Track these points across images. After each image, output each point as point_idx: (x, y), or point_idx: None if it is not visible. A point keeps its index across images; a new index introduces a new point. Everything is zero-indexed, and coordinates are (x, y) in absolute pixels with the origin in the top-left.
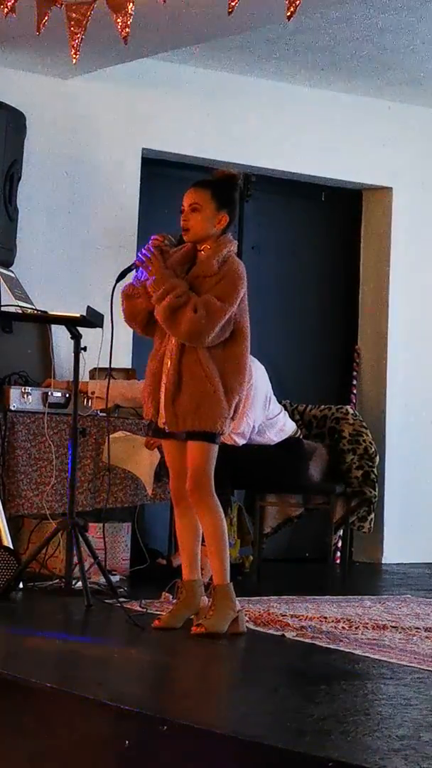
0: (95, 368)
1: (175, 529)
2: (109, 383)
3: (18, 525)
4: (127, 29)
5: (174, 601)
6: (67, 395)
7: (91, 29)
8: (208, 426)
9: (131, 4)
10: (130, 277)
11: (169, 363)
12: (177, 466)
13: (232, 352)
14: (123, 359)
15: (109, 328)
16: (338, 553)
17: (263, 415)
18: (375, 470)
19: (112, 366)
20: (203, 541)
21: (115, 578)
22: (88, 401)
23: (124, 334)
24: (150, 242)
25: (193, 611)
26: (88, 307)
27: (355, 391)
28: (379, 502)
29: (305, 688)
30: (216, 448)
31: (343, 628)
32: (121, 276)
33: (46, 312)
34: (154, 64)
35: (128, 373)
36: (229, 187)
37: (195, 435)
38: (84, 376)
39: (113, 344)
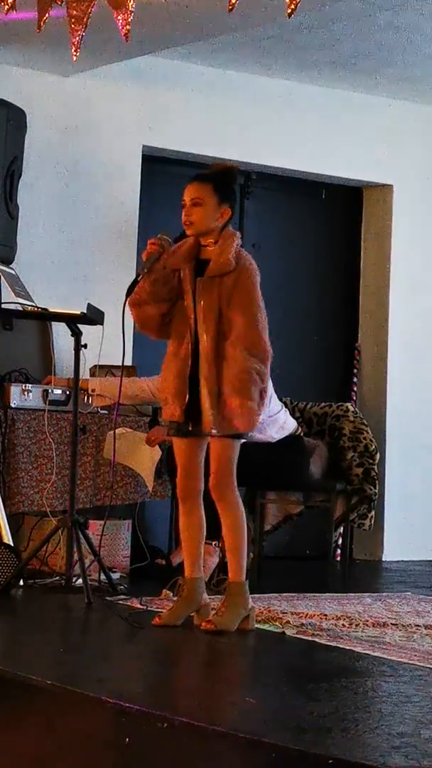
0: (95, 365)
1: (175, 526)
2: (121, 385)
3: (18, 522)
4: (127, 26)
5: (174, 598)
6: (68, 392)
7: (92, 26)
8: (250, 427)
9: (132, 1)
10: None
11: (206, 367)
12: (188, 464)
13: (260, 353)
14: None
15: (108, 325)
16: (338, 551)
17: (264, 413)
18: (375, 468)
19: (113, 363)
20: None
21: (115, 575)
22: (88, 398)
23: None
24: (147, 248)
25: (194, 609)
26: (89, 304)
27: (355, 389)
28: (379, 500)
29: (305, 685)
30: (240, 444)
31: (343, 625)
32: (130, 290)
33: (46, 309)
34: (154, 62)
35: (129, 371)
36: (230, 180)
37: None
38: (84, 373)
39: (111, 340)
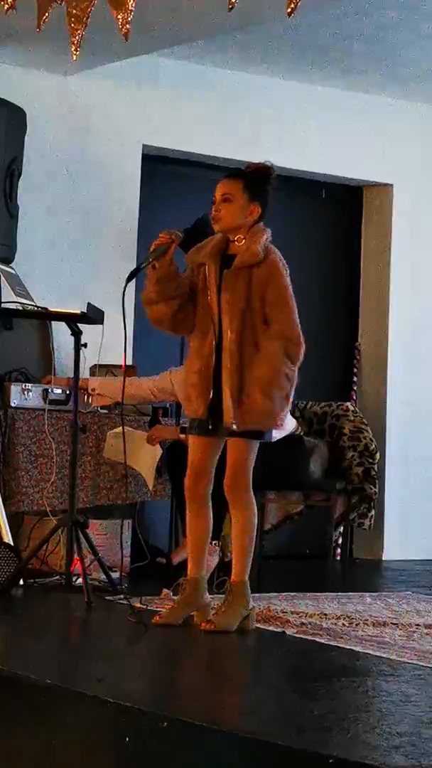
0: (95, 365)
1: (176, 526)
2: (125, 379)
3: (18, 522)
4: (127, 26)
5: (175, 598)
6: (68, 392)
7: (92, 26)
8: (272, 424)
9: (132, 0)
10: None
11: (229, 361)
12: (199, 464)
13: (289, 352)
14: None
15: (108, 325)
16: (339, 550)
17: None
18: (375, 467)
19: (113, 363)
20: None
21: (115, 575)
22: (88, 398)
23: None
24: (158, 239)
25: (194, 608)
26: (89, 303)
27: (355, 388)
28: (379, 499)
29: (305, 685)
30: (258, 445)
31: (343, 624)
32: (131, 277)
33: (46, 308)
34: (154, 61)
35: (129, 371)
36: (262, 179)
37: (244, 432)
38: (84, 372)
39: (111, 339)
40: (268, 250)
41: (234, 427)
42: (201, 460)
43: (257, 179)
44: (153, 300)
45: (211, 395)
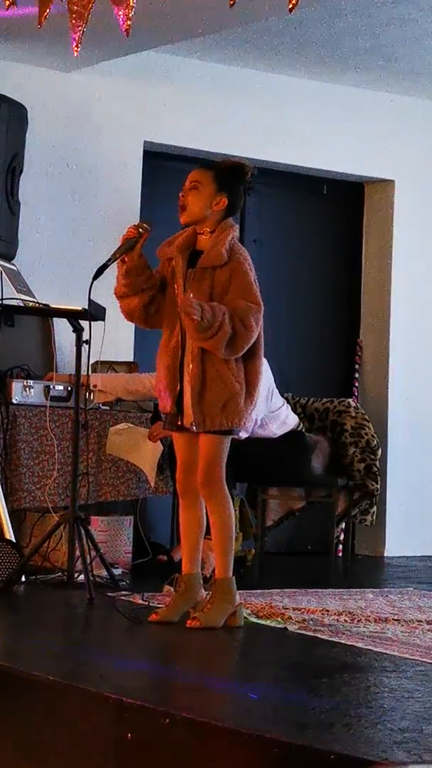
0: (97, 361)
1: (177, 522)
2: (89, 374)
3: (20, 518)
4: (128, 22)
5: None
6: (69, 388)
7: (93, 22)
8: (234, 423)
9: None
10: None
11: (192, 363)
12: (186, 459)
13: (252, 346)
14: (126, 353)
15: (109, 321)
16: (340, 546)
17: (266, 408)
18: (377, 463)
19: (114, 359)
20: (206, 534)
21: (117, 571)
22: (89, 394)
23: (126, 328)
24: (126, 233)
25: (191, 605)
26: (90, 299)
27: (357, 384)
28: (381, 495)
29: (307, 681)
30: (229, 440)
31: (345, 621)
32: (98, 273)
33: (48, 305)
34: (155, 57)
35: (130, 367)
36: (233, 173)
37: (214, 429)
38: (86, 369)
39: (112, 335)
40: (233, 250)
41: (194, 428)
42: (186, 454)
43: (229, 173)
44: (124, 293)
45: (178, 390)
